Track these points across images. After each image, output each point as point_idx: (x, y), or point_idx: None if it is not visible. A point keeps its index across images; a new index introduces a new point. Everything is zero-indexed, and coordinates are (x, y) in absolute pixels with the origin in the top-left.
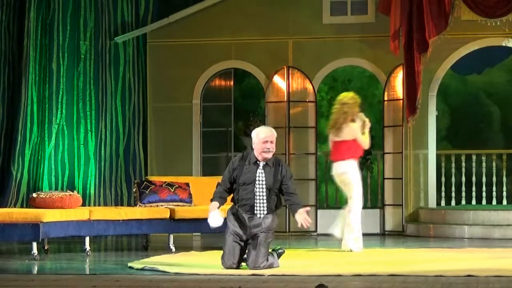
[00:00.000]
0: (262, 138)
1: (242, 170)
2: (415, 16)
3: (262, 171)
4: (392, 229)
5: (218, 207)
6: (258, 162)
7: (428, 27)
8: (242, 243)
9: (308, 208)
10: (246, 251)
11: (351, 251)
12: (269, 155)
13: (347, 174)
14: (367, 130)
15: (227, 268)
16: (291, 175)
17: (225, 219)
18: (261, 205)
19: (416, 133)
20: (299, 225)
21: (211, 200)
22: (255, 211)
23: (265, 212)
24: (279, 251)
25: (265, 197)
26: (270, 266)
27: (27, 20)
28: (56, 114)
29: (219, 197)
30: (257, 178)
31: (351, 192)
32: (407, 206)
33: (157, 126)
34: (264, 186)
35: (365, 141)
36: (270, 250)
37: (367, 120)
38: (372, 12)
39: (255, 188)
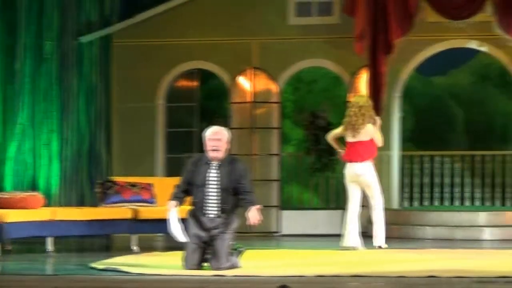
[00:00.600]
0: (207, 137)
1: (196, 171)
2: (380, 18)
3: (216, 171)
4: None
5: (176, 206)
6: (209, 162)
7: (393, 28)
8: (203, 245)
9: (259, 206)
10: (208, 252)
11: (380, 247)
12: (218, 154)
13: (368, 175)
14: (379, 129)
15: (189, 269)
16: (247, 173)
17: (184, 221)
18: (216, 205)
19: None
20: (248, 222)
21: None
22: (211, 212)
23: (221, 212)
24: (240, 249)
25: (219, 198)
26: (232, 267)
27: None
28: (19, 114)
29: (175, 197)
30: (210, 179)
31: (373, 192)
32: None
33: (121, 126)
34: (218, 187)
35: (381, 140)
36: (230, 250)
37: (379, 119)
38: (337, 13)
39: (208, 189)
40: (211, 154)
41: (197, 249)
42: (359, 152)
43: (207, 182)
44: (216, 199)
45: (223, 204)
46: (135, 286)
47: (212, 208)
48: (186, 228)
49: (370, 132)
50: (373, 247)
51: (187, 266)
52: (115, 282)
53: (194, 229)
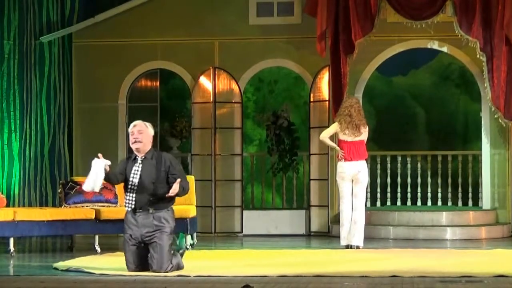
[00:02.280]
0: (129, 130)
1: (124, 169)
2: (341, 18)
3: (140, 165)
4: (317, 230)
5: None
6: (136, 157)
7: (354, 28)
8: (141, 245)
9: (179, 180)
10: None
11: (358, 247)
12: (139, 145)
13: (364, 173)
14: None
15: (131, 271)
16: (177, 164)
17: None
18: (144, 200)
19: None
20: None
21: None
22: (139, 208)
23: (152, 208)
24: (180, 251)
25: (147, 192)
26: (177, 268)
27: None
28: None
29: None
30: (135, 173)
31: (363, 191)
32: (333, 207)
33: (83, 126)
34: (144, 180)
35: None
36: (173, 252)
37: None
38: (299, 14)
39: (134, 184)
40: (133, 147)
41: (135, 251)
42: (359, 151)
43: (133, 177)
44: (144, 194)
45: (152, 197)
46: (97, 287)
47: (142, 203)
48: (123, 228)
49: (366, 131)
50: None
51: (129, 268)
52: (78, 282)
53: (129, 230)
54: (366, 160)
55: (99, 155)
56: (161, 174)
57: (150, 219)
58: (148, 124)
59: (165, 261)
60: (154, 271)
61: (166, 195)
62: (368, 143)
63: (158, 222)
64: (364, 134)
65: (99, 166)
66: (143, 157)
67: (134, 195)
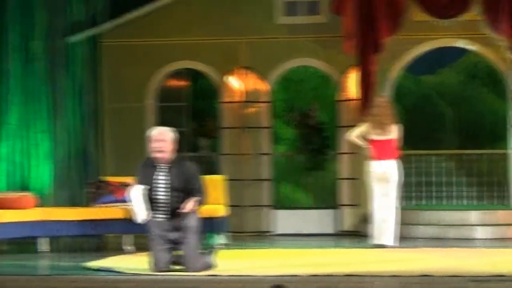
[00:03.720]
0: (151, 138)
1: (144, 175)
2: (368, 16)
3: (164, 172)
4: (347, 229)
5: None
6: (156, 164)
7: (381, 27)
8: (169, 245)
9: (195, 199)
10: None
11: (387, 246)
12: (163, 155)
13: (395, 172)
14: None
15: (158, 271)
16: (197, 173)
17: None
18: (169, 207)
19: None
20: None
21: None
22: (165, 215)
23: (175, 214)
24: (210, 251)
25: (171, 199)
26: (208, 268)
27: None
28: (9, 115)
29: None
30: (159, 181)
31: (394, 190)
32: (362, 206)
33: (112, 126)
34: (168, 188)
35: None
36: (203, 251)
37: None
38: (325, 13)
39: (158, 192)
40: (155, 155)
41: (164, 249)
42: (387, 150)
43: (155, 184)
44: (167, 201)
45: (176, 205)
46: (128, 286)
47: (164, 210)
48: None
49: (398, 131)
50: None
51: (156, 268)
52: (108, 282)
53: (156, 230)
54: (397, 159)
55: (130, 183)
56: (183, 182)
57: (176, 223)
58: (168, 131)
59: (195, 260)
60: (184, 271)
61: (180, 210)
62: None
63: (186, 223)
64: (393, 133)
65: (137, 194)
66: (168, 166)
67: (155, 201)
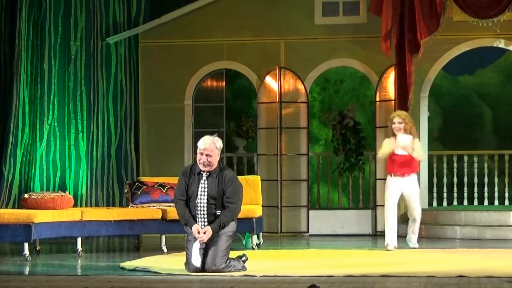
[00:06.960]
0: (199, 150)
1: (189, 182)
2: (407, 17)
3: (205, 181)
4: (384, 230)
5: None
6: (201, 172)
7: (419, 27)
8: (204, 246)
9: (208, 228)
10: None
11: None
12: (208, 168)
13: (415, 186)
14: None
15: (192, 272)
16: (235, 187)
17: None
18: (205, 212)
19: None
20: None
21: (186, 224)
22: (203, 222)
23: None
24: (243, 258)
25: (209, 207)
26: (234, 269)
27: (18, 21)
28: (47, 115)
29: (192, 218)
30: (200, 189)
31: (419, 201)
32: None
33: (149, 126)
34: (206, 196)
35: (421, 154)
36: (234, 257)
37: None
38: (364, 13)
39: (199, 199)
40: (202, 168)
41: (199, 250)
42: (408, 164)
43: (198, 192)
44: (206, 209)
45: (212, 211)
46: (164, 286)
47: (203, 218)
48: (186, 234)
49: (417, 144)
50: (406, 247)
51: (192, 268)
52: (144, 282)
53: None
54: (417, 172)
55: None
56: (220, 191)
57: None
58: (215, 142)
59: (219, 258)
60: (206, 269)
61: (198, 237)
62: (434, 142)
63: (223, 229)
64: (415, 148)
65: (196, 247)
66: (209, 174)
67: (196, 209)
